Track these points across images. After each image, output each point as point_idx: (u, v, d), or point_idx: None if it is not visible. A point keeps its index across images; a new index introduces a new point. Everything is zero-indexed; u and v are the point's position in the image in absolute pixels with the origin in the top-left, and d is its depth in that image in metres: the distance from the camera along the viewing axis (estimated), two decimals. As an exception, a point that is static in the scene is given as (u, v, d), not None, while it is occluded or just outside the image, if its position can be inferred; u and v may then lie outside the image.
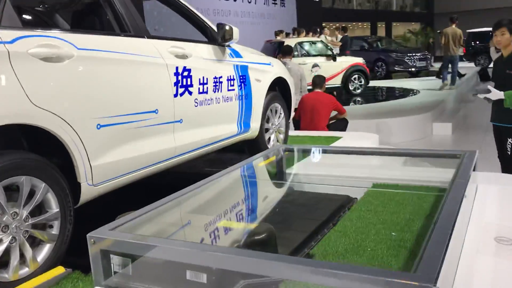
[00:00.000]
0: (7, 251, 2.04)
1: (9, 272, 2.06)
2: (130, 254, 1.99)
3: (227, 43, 3.52)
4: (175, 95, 2.98)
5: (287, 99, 4.66)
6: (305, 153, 3.84)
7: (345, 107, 6.41)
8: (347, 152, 3.66)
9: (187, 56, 3.13)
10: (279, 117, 4.49)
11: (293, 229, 2.68)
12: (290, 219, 2.78)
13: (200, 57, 3.28)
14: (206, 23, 3.53)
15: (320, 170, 3.62)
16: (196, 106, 3.19)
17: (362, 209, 2.90)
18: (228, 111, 3.58)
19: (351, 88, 12.16)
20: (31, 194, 2.15)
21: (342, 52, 12.90)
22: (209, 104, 3.33)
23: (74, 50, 2.33)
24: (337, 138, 5.23)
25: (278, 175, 3.57)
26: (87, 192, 2.43)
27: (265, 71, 4.09)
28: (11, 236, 2.05)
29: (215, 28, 3.48)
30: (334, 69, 11.73)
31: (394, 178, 3.36)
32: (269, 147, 4.32)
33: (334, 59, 11.66)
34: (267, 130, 4.32)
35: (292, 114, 4.88)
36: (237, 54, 3.76)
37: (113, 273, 2.08)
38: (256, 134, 4.06)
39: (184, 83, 3.07)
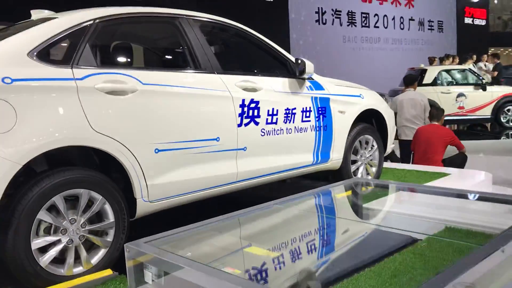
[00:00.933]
0: (64, 251, 2.47)
1: (65, 268, 2.49)
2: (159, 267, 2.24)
3: (305, 76, 3.64)
4: (239, 125, 3.21)
5: (384, 132, 4.57)
6: (381, 188, 3.72)
7: (476, 142, 5.92)
8: (427, 192, 3.45)
9: (256, 89, 3.35)
10: (371, 149, 4.42)
11: (330, 261, 2.68)
12: (331, 252, 2.77)
13: (272, 90, 3.47)
14: (286, 58, 3.71)
15: (392, 207, 3.48)
16: (262, 135, 3.38)
17: (414, 251, 2.75)
18: (301, 141, 3.69)
19: (503, 120, 11.04)
20: (91, 205, 2.57)
21: (495, 81, 11.79)
22: (278, 134, 3.49)
23: (139, 85, 2.73)
24: (444, 175, 4.90)
25: (341, 207, 3.54)
26: (143, 207, 2.79)
27: (351, 103, 4.10)
28: (68, 238, 2.48)
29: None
30: (482, 99, 10.81)
31: (470, 223, 3.09)
32: (356, 179, 4.28)
33: (484, 89, 10.74)
34: (354, 162, 4.29)
35: (390, 147, 4.73)
36: (318, 87, 3.85)
37: (146, 282, 2.37)
38: (338, 165, 4.07)
39: (250, 114, 3.29)
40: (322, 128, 3.84)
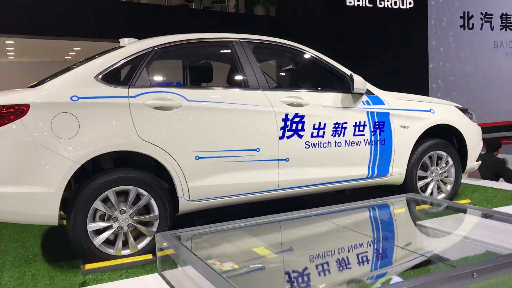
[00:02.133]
0: (116, 235, 3.08)
1: (114, 249, 3.08)
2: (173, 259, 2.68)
3: (355, 91, 3.76)
4: (281, 138, 3.50)
5: (464, 149, 4.38)
6: (436, 206, 3.62)
7: None
8: (488, 216, 3.29)
9: (302, 104, 3.60)
10: (445, 166, 4.28)
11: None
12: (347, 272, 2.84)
13: (320, 105, 3.68)
14: (342, 73, 3.86)
15: (435, 228, 3.39)
16: (307, 148, 3.61)
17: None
18: (353, 155, 3.80)
19: None
20: (139, 200, 3.13)
21: None
22: (325, 147, 3.67)
23: (184, 101, 3.22)
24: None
25: (383, 223, 3.55)
26: (185, 205, 3.27)
27: (416, 117, 4.05)
28: (118, 225, 3.08)
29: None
30: None
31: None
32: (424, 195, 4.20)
33: None
34: (424, 178, 4.21)
35: (472, 165, 4.48)
36: (376, 101, 3.92)
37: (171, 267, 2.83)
38: (400, 180, 4.06)
39: (294, 128, 3.55)
40: (379, 142, 3.89)
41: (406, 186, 4.12)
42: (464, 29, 13.85)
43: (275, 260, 2.69)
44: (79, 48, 11.47)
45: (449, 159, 4.29)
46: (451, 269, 2.12)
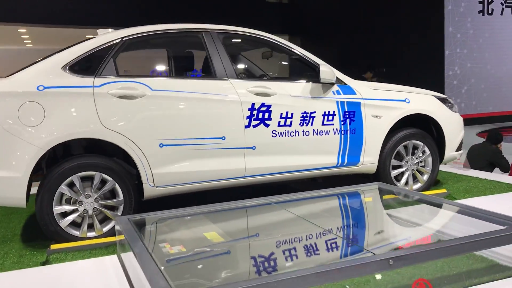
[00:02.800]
0: (82, 218, 3.24)
1: (80, 231, 3.25)
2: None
3: (325, 81, 3.79)
4: (247, 126, 3.58)
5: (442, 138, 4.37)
6: (400, 196, 3.63)
7: None
8: (444, 207, 3.30)
9: (269, 94, 3.66)
10: (422, 155, 4.29)
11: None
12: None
13: (288, 95, 3.73)
14: (314, 64, 3.90)
15: (391, 215, 3.42)
16: (274, 136, 3.68)
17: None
18: (322, 144, 3.85)
19: None
20: (105, 185, 3.29)
21: None
22: (292, 136, 3.74)
23: (148, 91, 3.34)
24: (521, 188, 4.42)
25: (334, 212, 3.59)
26: (149, 190, 3.41)
27: (390, 107, 4.06)
28: (84, 209, 3.24)
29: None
30: None
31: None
32: (398, 184, 4.23)
33: None
34: (397, 167, 4.23)
35: (452, 154, 4.47)
36: (348, 91, 3.95)
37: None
38: (372, 169, 4.09)
39: (260, 117, 3.62)
40: (349, 131, 3.93)
41: (379, 175, 4.16)
42: (483, 14, 13.47)
43: (221, 246, 2.80)
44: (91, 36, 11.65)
45: (426, 149, 4.29)
46: (370, 256, 2.18)
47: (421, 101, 4.25)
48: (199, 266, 2.53)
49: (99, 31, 3.80)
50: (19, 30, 10.42)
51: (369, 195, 3.62)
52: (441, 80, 12.82)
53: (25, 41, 11.85)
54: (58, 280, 2.71)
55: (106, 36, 3.48)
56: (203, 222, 3.18)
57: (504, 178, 4.92)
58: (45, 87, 3.14)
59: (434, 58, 12.63)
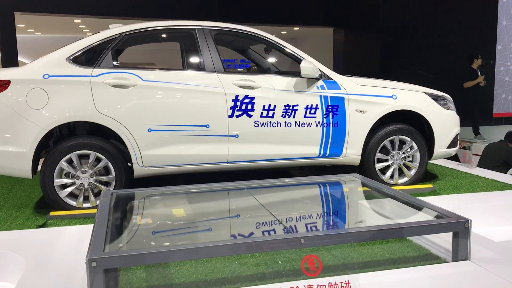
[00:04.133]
0: (79, 190, 3.74)
1: (77, 202, 3.75)
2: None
3: (305, 77, 4.03)
4: (230, 116, 3.91)
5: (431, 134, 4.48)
6: (371, 189, 3.79)
7: None
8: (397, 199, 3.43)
9: (254, 87, 3.96)
10: (410, 150, 4.42)
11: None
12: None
13: (271, 88, 4.01)
14: (300, 59, 4.14)
15: (347, 204, 3.60)
16: (256, 126, 3.98)
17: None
18: (304, 135, 4.09)
19: None
20: (99, 162, 3.75)
21: None
22: (274, 127, 4.02)
23: (139, 81, 3.76)
24: (510, 187, 4.44)
25: (293, 201, 3.75)
26: (138, 170, 3.84)
27: (375, 103, 4.22)
28: (80, 182, 3.73)
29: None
30: None
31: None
32: (383, 178, 4.39)
33: None
34: (383, 160, 4.39)
35: (443, 151, 4.55)
36: (333, 86, 4.15)
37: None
38: (356, 161, 4.29)
39: (243, 108, 3.94)
40: (331, 124, 4.14)
41: (363, 167, 4.34)
42: (542, 7, 12.79)
43: (179, 221, 3.16)
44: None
45: (413, 144, 4.41)
46: (284, 234, 2.46)
47: (408, 97, 4.37)
48: (149, 236, 2.90)
49: (111, 25, 4.25)
50: (74, 21, 11.29)
51: (336, 186, 3.83)
52: (491, 75, 12.38)
53: (83, 30, 12.79)
54: (51, 240, 3.18)
55: (108, 31, 3.92)
56: (180, 201, 3.56)
57: (504, 177, 4.91)
58: (50, 76, 3.64)
59: (485, 52, 12.18)
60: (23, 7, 9.34)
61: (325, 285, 2.15)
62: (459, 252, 2.65)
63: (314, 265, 2.20)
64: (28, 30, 13.35)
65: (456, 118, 4.64)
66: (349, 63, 12.59)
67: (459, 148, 6.67)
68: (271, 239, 2.36)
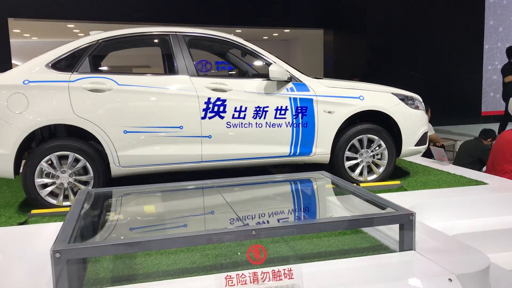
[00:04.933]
0: (59, 189, 3.95)
1: (57, 200, 3.95)
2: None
3: (275, 79, 4.23)
4: (203, 118, 4.12)
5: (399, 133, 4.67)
6: (335, 185, 3.99)
7: None
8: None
9: (225, 90, 4.17)
10: (378, 149, 4.61)
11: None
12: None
13: (242, 91, 4.21)
14: (269, 62, 4.35)
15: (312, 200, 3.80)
16: (228, 127, 4.18)
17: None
18: (275, 135, 4.30)
19: None
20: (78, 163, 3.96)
21: None
22: (246, 127, 4.22)
23: (114, 85, 3.97)
24: (480, 183, 4.62)
25: (259, 198, 3.94)
26: (115, 170, 4.05)
27: (343, 104, 4.42)
28: (60, 182, 3.94)
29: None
30: None
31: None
32: (352, 175, 4.59)
33: None
34: (352, 158, 4.59)
35: (410, 149, 4.74)
36: (301, 88, 4.36)
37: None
38: (325, 159, 4.49)
39: (216, 110, 4.14)
40: (301, 125, 4.35)
41: (333, 165, 4.55)
42: (529, 7, 12.99)
43: (148, 217, 3.37)
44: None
45: (381, 143, 4.61)
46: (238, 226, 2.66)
47: (375, 98, 4.57)
48: (117, 231, 3.11)
49: (91, 32, 4.46)
50: (68, 26, 11.52)
51: (303, 183, 4.03)
52: (479, 74, 12.58)
53: (78, 34, 13.03)
54: (30, 236, 3.38)
55: (85, 38, 4.14)
56: (152, 199, 3.76)
57: (472, 174, 5.09)
58: (29, 81, 3.85)
59: (473, 51, 12.39)
60: (16, 13, 9.56)
61: (268, 272, 2.34)
62: (405, 243, 2.85)
63: (259, 254, 2.40)
64: (24, 35, 13.60)
65: (425, 117, 4.84)
66: (338, 64, 12.80)
67: (435, 145, 6.88)
68: (225, 231, 2.56)
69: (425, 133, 4.86)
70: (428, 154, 6.48)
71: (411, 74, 11.71)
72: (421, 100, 4.88)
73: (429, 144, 5.99)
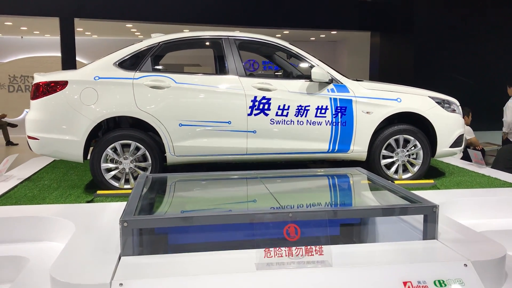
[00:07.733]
0: (122, 173, 4.47)
1: (119, 183, 4.48)
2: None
3: (316, 81, 4.59)
4: (249, 114, 4.53)
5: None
6: (371, 181, 4.27)
7: None
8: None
9: (270, 89, 4.57)
10: (413, 148, 4.88)
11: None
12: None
13: (286, 90, 4.60)
14: (313, 65, 4.71)
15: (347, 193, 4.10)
16: (272, 124, 4.58)
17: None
18: (314, 132, 4.65)
19: None
20: (138, 151, 4.47)
21: None
22: (288, 124, 4.60)
23: (172, 83, 4.45)
24: (509, 185, 4.79)
25: (300, 188, 4.25)
26: (171, 158, 4.53)
27: (380, 105, 4.72)
28: (122, 167, 4.46)
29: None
30: None
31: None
32: (388, 173, 4.88)
33: None
34: (388, 157, 4.87)
35: (446, 151, 4.96)
36: (342, 90, 4.69)
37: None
38: (362, 156, 4.80)
39: (261, 107, 4.55)
40: (340, 123, 4.68)
41: (369, 163, 4.85)
42: None
43: (200, 201, 3.80)
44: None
45: (417, 143, 4.87)
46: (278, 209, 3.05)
47: (413, 100, 4.83)
48: (172, 208, 3.56)
49: (153, 35, 4.97)
50: (126, 25, 12.28)
51: (340, 177, 4.36)
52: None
53: (135, 33, 13.80)
54: (96, 211, 3.89)
55: (148, 40, 4.64)
56: (202, 185, 4.20)
57: (507, 176, 5.23)
58: (99, 78, 4.39)
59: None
60: (81, 14, 10.35)
61: (301, 249, 2.72)
62: (428, 232, 3.14)
63: (293, 232, 2.77)
64: (85, 33, 14.53)
65: (461, 120, 5.04)
66: (384, 66, 12.92)
67: (475, 149, 7.00)
68: (265, 212, 2.95)
69: (461, 136, 5.07)
70: (466, 157, 6.62)
71: (456, 78, 11.69)
72: (458, 104, 5.09)
73: (467, 147, 6.16)
